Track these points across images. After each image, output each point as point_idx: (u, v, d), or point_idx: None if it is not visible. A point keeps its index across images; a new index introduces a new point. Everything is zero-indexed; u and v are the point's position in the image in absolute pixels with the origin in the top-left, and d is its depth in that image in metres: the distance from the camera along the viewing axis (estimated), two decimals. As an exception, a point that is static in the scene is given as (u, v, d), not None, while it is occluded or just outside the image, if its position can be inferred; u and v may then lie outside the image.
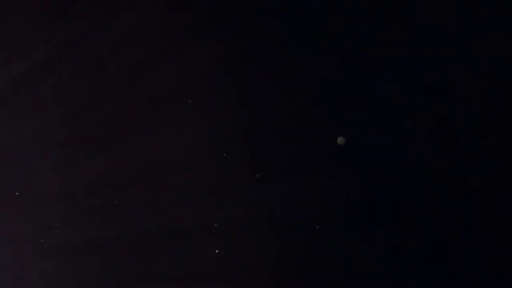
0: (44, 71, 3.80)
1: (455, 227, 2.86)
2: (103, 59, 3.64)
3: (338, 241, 3.00)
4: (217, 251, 3.28)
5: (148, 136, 3.52)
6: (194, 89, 3.37)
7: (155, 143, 3.51)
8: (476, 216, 2.82)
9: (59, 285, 3.87)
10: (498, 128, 2.80)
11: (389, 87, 2.90)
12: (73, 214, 3.79)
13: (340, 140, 2.93)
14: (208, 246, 3.32)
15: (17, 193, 3.93)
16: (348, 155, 2.99)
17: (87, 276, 3.78)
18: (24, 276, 3.96)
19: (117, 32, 3.55)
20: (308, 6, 3.08)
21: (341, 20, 3.06)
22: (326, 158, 3.04)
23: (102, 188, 3.70)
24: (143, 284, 3.61)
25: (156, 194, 3.53)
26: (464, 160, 2.85)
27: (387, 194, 2.97)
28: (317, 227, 3.05)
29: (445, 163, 2.86)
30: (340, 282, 3.01)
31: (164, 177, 3.49)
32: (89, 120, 3.71)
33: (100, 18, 3.59)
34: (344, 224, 3.00)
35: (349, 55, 3.03)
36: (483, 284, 2.80)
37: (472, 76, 2.82)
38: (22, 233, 3.96)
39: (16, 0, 3.86)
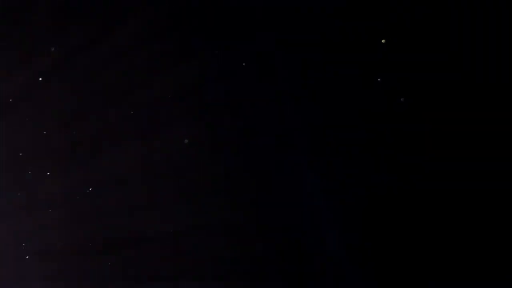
0: (46, 80, 3.94)
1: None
2: (101, 69, 3.80)
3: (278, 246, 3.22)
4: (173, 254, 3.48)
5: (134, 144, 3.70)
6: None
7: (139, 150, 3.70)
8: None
9: (56, 285, 3.97)
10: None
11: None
12: (72, 216, 3.91)
13: (186, 141, 3.21)
14: (165, 251, 3.52)
15: (18, 194, 4.05)
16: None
17: (82, 276, 3.90)
18: (24, 276, 4.06)
19: (114, 44, 3.71)
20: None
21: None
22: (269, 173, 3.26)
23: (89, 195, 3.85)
24: (138, 283, 3.75)
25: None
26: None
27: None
28: (261, 233, 3.27)
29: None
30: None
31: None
32: (88, 126, 3.85)
33: (97, 32, 3.75)
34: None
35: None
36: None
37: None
38: (22, 234, 4.06)
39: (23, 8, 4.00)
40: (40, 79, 3.73)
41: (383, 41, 3.19)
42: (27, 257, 4.03)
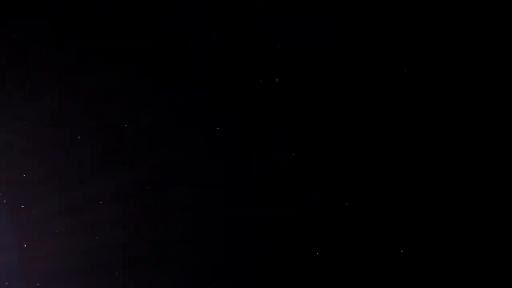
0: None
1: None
2: (105, 101, 4.29)
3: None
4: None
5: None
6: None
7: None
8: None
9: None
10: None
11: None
12: (73, 225, 4.25)
13: None
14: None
15: (22, 206, 4.32)
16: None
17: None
18: (21, 280, 4.27)
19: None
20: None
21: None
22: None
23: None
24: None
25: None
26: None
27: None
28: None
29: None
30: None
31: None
32: (91, 148, 4.27)
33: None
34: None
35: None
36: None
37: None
38: (23, 241, 4.27)
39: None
40: None
41: (277, 80, 3.54)
42: (26, 263, 4.23)
